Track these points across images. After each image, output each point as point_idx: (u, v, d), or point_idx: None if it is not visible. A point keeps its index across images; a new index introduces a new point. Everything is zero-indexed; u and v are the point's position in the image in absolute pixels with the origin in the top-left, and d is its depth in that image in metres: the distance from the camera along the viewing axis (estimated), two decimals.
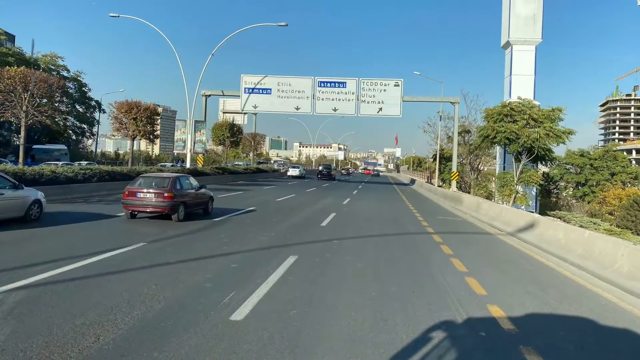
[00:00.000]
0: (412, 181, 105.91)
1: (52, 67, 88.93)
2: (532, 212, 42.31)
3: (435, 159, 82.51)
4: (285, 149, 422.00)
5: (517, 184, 52.10)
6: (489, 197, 61.81)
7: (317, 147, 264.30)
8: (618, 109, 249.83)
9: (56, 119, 67.48)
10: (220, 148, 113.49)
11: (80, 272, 12.93)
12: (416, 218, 32.18)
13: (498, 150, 63.05)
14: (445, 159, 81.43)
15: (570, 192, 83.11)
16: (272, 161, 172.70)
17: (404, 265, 16.13)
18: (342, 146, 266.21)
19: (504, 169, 59.52)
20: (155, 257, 15.23)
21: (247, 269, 14.18)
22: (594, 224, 36.60)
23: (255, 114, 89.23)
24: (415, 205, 43.62)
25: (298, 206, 35.88)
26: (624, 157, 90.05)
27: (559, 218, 37.23)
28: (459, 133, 71.12)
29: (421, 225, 28.15)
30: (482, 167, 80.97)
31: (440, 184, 77.56)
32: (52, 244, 16.85)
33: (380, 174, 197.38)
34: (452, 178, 68.30)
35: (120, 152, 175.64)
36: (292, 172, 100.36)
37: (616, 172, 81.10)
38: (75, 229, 20.39)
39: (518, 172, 51.50)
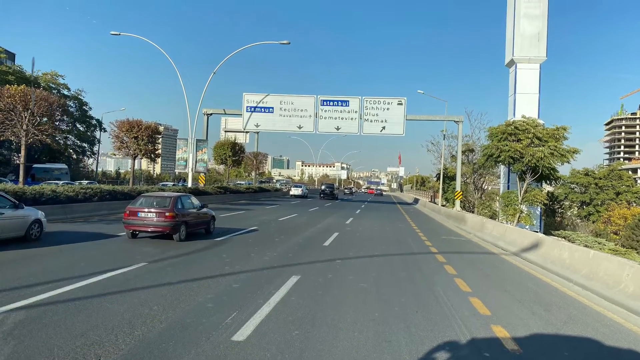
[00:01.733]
0: (416, 200, 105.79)
1: (53, 86, 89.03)
2: (537, 231, 42.21)
3: (438, 178, 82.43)
4: (288, 167, 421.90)
5: (521, 203, 51.88)
6: (493, 216, 61.66)
7: (319, 167, 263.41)
8: (623, 127, 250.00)
9: (57, 138, 67.35)
10: (222, 167, 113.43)
11: (81, 292, 12.85)
12: (420, 238, 32.10)
13: (502, 169, 63.07)
14: (449, 178, 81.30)
15: (575, 212, 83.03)
16: (274, 180, 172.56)
17: (408, 285, 16.04)
18: (345, 165, 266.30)
19: (508, 188, 59.38)
20: (156, 277, 15.14)
21: (249, 289, 14.09)
22: (599, 243, 36.43)
23: (257, 132, 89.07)
24: (418, 224, 43.56)
25: (301, 226, 35.76)
26: (629, 176, 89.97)
27: (564, 238, 37.07)
28: (462, 152, 71.07)
29: (425, 245, 28.07)
30: (486, 186, 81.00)
31: (444, 203, 77.45)
32: (52, 264, 16.73)
33: (384, 193, 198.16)
34: (455, 197, 68.12)
35: (121, 171, 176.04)
36: (295, 191, 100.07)
37: (621, 192, 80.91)
38: (76, 248, 20.28)
39: (522, 191, 51.29)
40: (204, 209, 27.20)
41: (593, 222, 76.09)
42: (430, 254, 24.09)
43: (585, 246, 25.67)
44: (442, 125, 76.06)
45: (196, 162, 64.63)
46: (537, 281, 18.28)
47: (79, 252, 19.36)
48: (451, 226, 42.61)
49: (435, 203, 79.45)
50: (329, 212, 54.90)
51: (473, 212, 65.87)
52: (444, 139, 77.88)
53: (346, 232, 33.47)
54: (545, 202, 63.89)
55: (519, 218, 51.48)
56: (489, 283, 17.31)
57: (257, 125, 68.69)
